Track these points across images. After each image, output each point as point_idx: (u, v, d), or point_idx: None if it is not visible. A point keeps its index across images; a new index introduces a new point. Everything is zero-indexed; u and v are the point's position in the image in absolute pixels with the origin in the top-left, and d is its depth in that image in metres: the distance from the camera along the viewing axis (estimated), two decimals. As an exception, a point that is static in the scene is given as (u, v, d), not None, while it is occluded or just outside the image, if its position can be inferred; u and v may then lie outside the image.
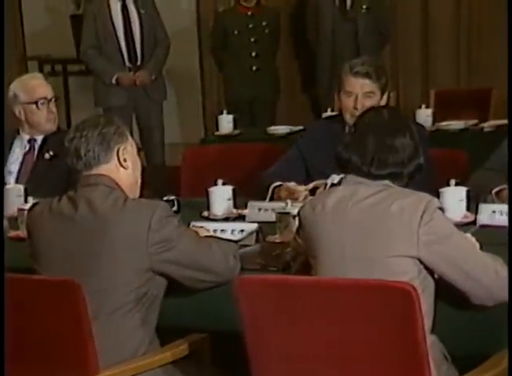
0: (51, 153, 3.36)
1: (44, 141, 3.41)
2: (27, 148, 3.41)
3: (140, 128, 5.21)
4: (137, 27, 5.07)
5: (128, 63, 5.09)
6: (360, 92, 2.99)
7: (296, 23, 5.99)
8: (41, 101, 3.37)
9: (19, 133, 3.45)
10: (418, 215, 2.03)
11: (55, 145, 3.35)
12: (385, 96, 3.05)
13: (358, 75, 3.00)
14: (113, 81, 5.05)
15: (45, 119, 3.38)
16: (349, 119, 3.01)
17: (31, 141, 3.42)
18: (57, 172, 3.29)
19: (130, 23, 5.07)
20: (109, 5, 5.06)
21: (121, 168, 2.28)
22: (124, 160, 2.28)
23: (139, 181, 2.36)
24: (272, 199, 2.96)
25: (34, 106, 3.36)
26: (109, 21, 5.04)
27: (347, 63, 3.08)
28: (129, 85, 5.05)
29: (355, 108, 2.98)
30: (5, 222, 2.86)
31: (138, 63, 5.09)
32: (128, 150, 2.30)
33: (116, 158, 2.27)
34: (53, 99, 3.41)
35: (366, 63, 3.07)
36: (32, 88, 3.39)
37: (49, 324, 2.14)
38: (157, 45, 5.15)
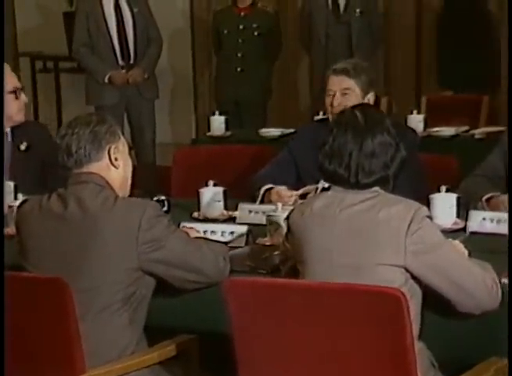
0: (25, 144, 3.31)
1: (12, 132, 3.34)
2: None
3: (131, 127, 5.21)
4: (130, 25, 5.06)
5: (120, 62, 5.08)
6: (338, 89, 3.00)
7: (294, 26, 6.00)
8: (18, 91, 3.28)
9: None
10: (405, 224, 2.02)
11: (27, 135, 3.33)
12: (370, 96, 3.03)
13: (336, 72, 3.03)
14: (106, 80, 5.04)
15: (18, 109, 3.30)
16: (331, 119, 3.01)
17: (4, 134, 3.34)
18: (33, 163, 3.28)
19: (123, 21, 5.06)
20: (101, 4, 5.05)
21: (112, 167, 2.27)
22: (116, 160, 2.28)
23: (130, 180, 2.35)
24: (262, 201, 2.96)
25: (10, 96, 3.26)
26: (102, 19, 5.03)
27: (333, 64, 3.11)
28: (122, 84, 5.04)
29: (332, 105, 2.99)
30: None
31: (131, 61, 5.08)
32: (120, 150, 2.29)
33: (107, 157, 2.26)
34: (21, 89, 3.32)
35: (348, 62, 3.10)
36: (5, 78, 3.28)
37: (36, 323, 2.13)
38: (150, 44, 5.15)
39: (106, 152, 2.26)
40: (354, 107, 2.21)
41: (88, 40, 5.06)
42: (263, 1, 5.83)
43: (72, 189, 2.26)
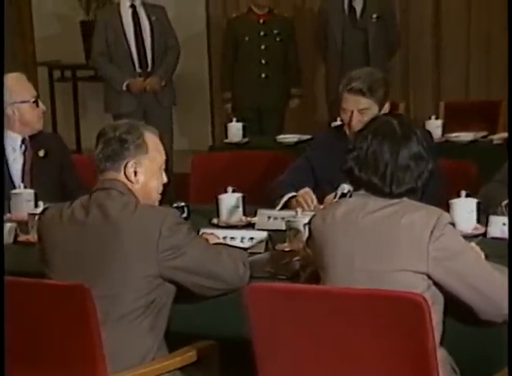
0: (43, 150, 3.37)
1: (30, 140, 3.39)
2: (23, 148, 3.38)
3: None
4: (148, 33, 5.10)
5: (138, 70, 5.11)
6: (355, 109, 2.99)
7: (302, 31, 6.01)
8: (34, 99, 3.34)
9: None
10: (428, 231, 2.01)
11: (43, 143, 3.39)
12: (386, 106, 3.03)
13: (352, 92, 2.99)
14: (124, 88, 5.07)
15: (37, 117, 3.37)
16: (348, 133, 3.02)
17: (24, 141, 3.39)
18: (52, 168, 3.35)
19: (141, 29, 5.09)
20: (120, 12, 5.09)
21: (128, 181, 2.26)
22: (135, 174, 2.27)
23: (156, 192, 2.33)
24: (283, 208, 2.96)
25: (30, 104, 3.33)
26: (120, 28, 5.07)
27: (347, 76, 3.07)
28: (139, 92, 5.08)
29: (349, 125, 2.99)
30: (15, 226, 2.86)
31: (149, 69, 5.11)
32: (143, 164, 2.28)
33: (122, 171, 2.26)
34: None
35: (362, 77, 3.02)
36: (23, 86, 3.36)
37: (58, 329, 2.14)
38: (168, 51, 5.17)
39: (123, 166, 2.25)
40: (387, 115, 2.23)
41: (105, 48, 5.10)
42: (279, 7, 5.85)
43: (95, 196, 2.27)
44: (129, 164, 2.26)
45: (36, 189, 3.10)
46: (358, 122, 2.94)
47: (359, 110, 2.99)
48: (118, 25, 5.07)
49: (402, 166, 2.09)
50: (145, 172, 2.28)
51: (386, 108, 3.05)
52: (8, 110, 3.35)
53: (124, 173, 2.26)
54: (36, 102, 3.35)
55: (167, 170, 2.43)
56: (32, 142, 3.40)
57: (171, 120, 5.25)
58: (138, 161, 2.27)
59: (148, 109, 5.13)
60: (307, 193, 2.93)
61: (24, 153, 3.38)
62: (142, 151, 2.28)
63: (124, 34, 5.06)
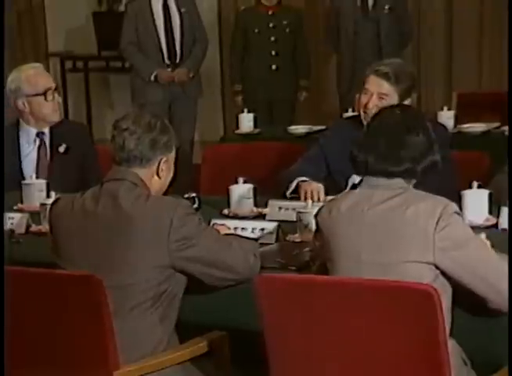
0: (64, 145, 3.33)
1: (51, 133, 3.35)
2: (38, 143, 3.35)
3: (172, 125, 5.22)
4: (177, 25, 5.13)
5: (167, 61, 5.14)
6: (376, 92, 2.97)
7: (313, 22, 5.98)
8: (49, 92, 3.29)
9: (18, 126, 3.35)
10: (434, 221, 2.01)
11: (66, 136, 3.34)
12: (406, 102, 3.00)
13: (378, 74, 2.99)
14: (152, 78, 5.10)
15: (52, 110, 3.31)
16: (363, 117, 3.00)
17: (40, 134, 3.35)
18: (73, 165, 3.31)
19: (171, 21, 5.13)
20: (150, 3, 5.12)
21: (156, 176, 2.29)
22: (161, 170, 2.30)
23: (167, 186, 2.36)
24: (293, 193, 2.95)
25: (41, 97, 3.28)
26: (150, 19, 5.10)
27: (376, 63, 3.08)
28: (167, 82, 5.10)
29: (366, 106, 2.97)
30: (27, 217, 2.87)
31: (177, 60, 5.15)
32: (169, 161, 2.32)
33: (155, 166, 2.28)
34: (55, 89, 3.33)
35: (392, 64, 3.04)
36: (36, 79, 3.30)
37: (70, 319, 2.15)
38: (196, 43, 5.21)
39: (157, 162, 2.28)
40: (393, 106, 2.24)
41: (135, 39, 5.13)
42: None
43: (106, 186, 2.27)
44: (162, 161, 2.28)
45: (55, 184, 3.05)
46: (374, 106, 2.93)
47: (379, 93, 2.97)
48: (148, 16, 5.10)
49: (396, 144, 2.09)
50: (167, 168, 2.31)
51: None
52: (19, 104, 3.31)
53: (157, 168, 2.27)
54: (46, 94, 3.28)
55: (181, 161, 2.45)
56: (53, 135, 3.34)
57: (195, 111, 5.28)
58: (167, 159, 2.31)
59: (174, 100, 5.17)
60: (316, 189, 2.91)
61: (39, 148, 3.34)
62: (169, 149, 2.31)
63: (155, 26, 5.10)
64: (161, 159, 2.29)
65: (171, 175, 2.36)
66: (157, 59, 5.12)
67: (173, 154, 2.34)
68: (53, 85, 3.35)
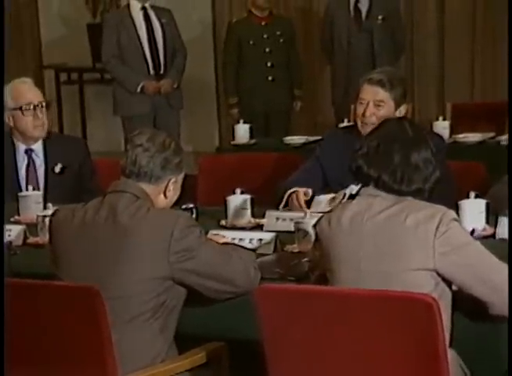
0: (59, 165, 3.28)
1: (45, 151, 3.27)
2: (26, 161, 3.28)
3: None
4: (160, 36, 5.12)
5: (152, 72, 5.13)
6: (371, 100, 2.99)
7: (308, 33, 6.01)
8: (25, 107, 3.19)
9: (13, 142, 3.28)
10: (434, 227, 2.03)
11: (62, 154, 3.27)
12: (402, 108, 3.03)
13: (372, 82, 3.01)
14: (139, 90, 5.08)
15: (32, 126, 3.21)
16: (360, 127, 3.02)
17: (28, 152, 3.28)
18: (69, 185, 3.25)
19: (153, 32, 5.12)
20: (131, 15, 5.11)
21: (162, 195, 2.30)
22: (169, 191, 2.30)
23: (170, 206, 2.36)
24: (286, 205, 2.96)
25: (19, 112, 3.20)
26: (133, 30, 5.08)
27: (368, 73, 3.10)
28: (153, 93, 5.09)
29: (363, 115, 2.99)
30: (24, 229, 2.86)
31: (162, 71, 5.13)
32: (177, 182, 2.32)
33: (164, 186, 2.29)
34: (41, 105, 3.23)
35: (384, 72, 3.08)
36: (19, 93, 3.23)
37: (69, 330, 2.15)
38: (176, 54, 5.19)
39: (166, 182, 2.29)
40: (397, 118, 2.24)
41: (117, 51, 5.10)
42: (279, 9, 5.84)
43: (108, 198, 2.28)
44: (170, 182, 2.29)
45: (51, 203, 2.92)
46: (371, 115, 2.96)
47: (375, 101, 2.99)
48: (131, 27, 5.08)
49: (412, 165, 2.11)
50: (174, 189, 2.32)
51: (402, 111, 3.04)
52: (5, 118, 3.25)
53: (165, 188, 2.28)
54: (22, 109, 3.16)
55: None
56: (48, 154, 3.27)
57: (179, 122, 5.28)
58: (176, 180, 2.32)
59: (159, 111, 5.15)
60: (301, 193, 2.93)
61: (27, 167, 3.27)
62: (179, 170, 2.32)
63: (138, 36, 5.08)
64: (170, 179, 2.30)
65: (177, 195, 2.37)
66: (142, 71, 5.08)
67: (182, 176, 2.34)
68: (38, 101, 3.24)
